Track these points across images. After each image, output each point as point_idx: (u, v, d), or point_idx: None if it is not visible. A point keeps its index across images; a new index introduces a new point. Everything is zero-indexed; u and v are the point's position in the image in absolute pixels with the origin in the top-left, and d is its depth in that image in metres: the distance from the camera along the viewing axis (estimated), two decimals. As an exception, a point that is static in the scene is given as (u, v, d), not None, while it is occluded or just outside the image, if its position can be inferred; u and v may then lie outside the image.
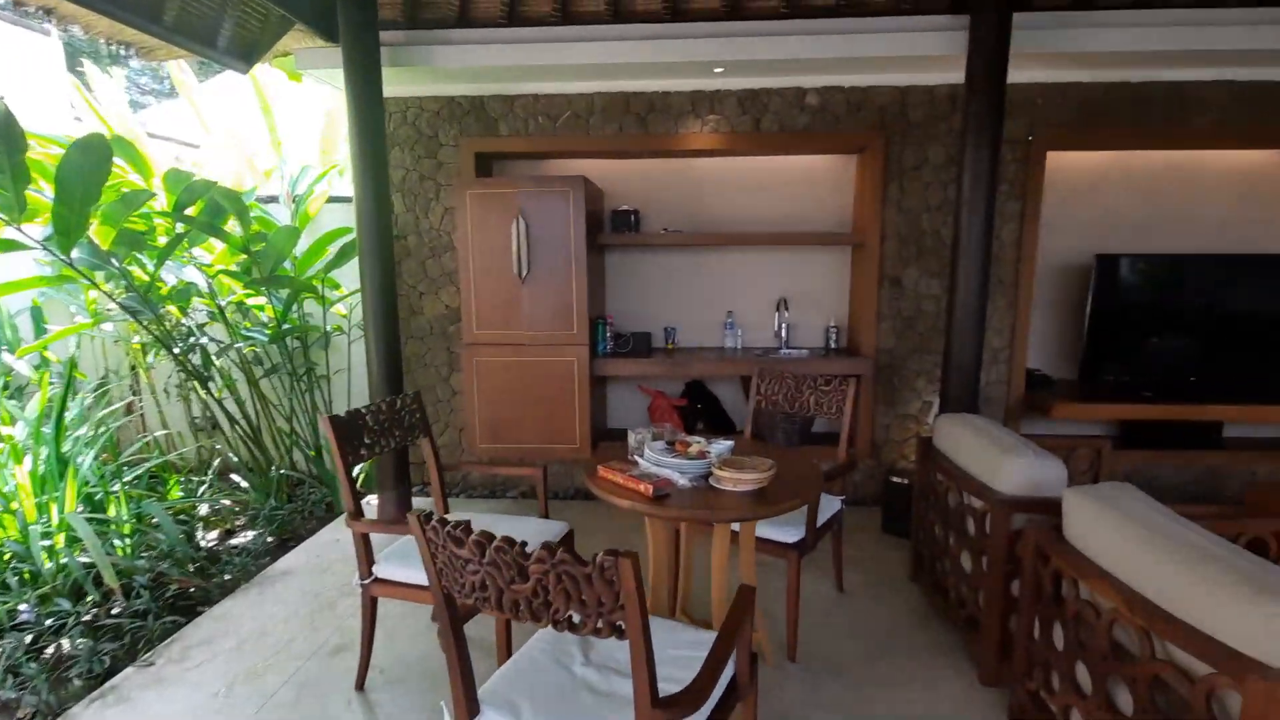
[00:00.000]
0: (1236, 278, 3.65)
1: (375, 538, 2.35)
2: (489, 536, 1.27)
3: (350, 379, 4.28)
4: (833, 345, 3.95)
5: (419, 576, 2.15)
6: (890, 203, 3.68)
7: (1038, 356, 3.98)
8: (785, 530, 2.36)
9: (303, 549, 3.39)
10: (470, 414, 3.71)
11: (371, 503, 3.77)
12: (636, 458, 2.15)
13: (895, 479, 3.44)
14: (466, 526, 1.29)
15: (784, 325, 3.92)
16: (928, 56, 3.22)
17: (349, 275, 4.13)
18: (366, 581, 2.20)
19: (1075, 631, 1.74)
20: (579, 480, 4.10)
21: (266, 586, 3.01)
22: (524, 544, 1.25)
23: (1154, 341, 3.69)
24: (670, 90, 3.68)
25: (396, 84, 3.70)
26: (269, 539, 3.46)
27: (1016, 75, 3.43)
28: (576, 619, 1.25)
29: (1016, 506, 2.13)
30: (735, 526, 2.29)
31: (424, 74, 3.55)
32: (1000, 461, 2.23)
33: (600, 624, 1.23)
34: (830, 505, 2.64)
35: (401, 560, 2.21)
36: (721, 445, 2.17)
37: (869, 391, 3.78)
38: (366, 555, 2.20)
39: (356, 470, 3.24)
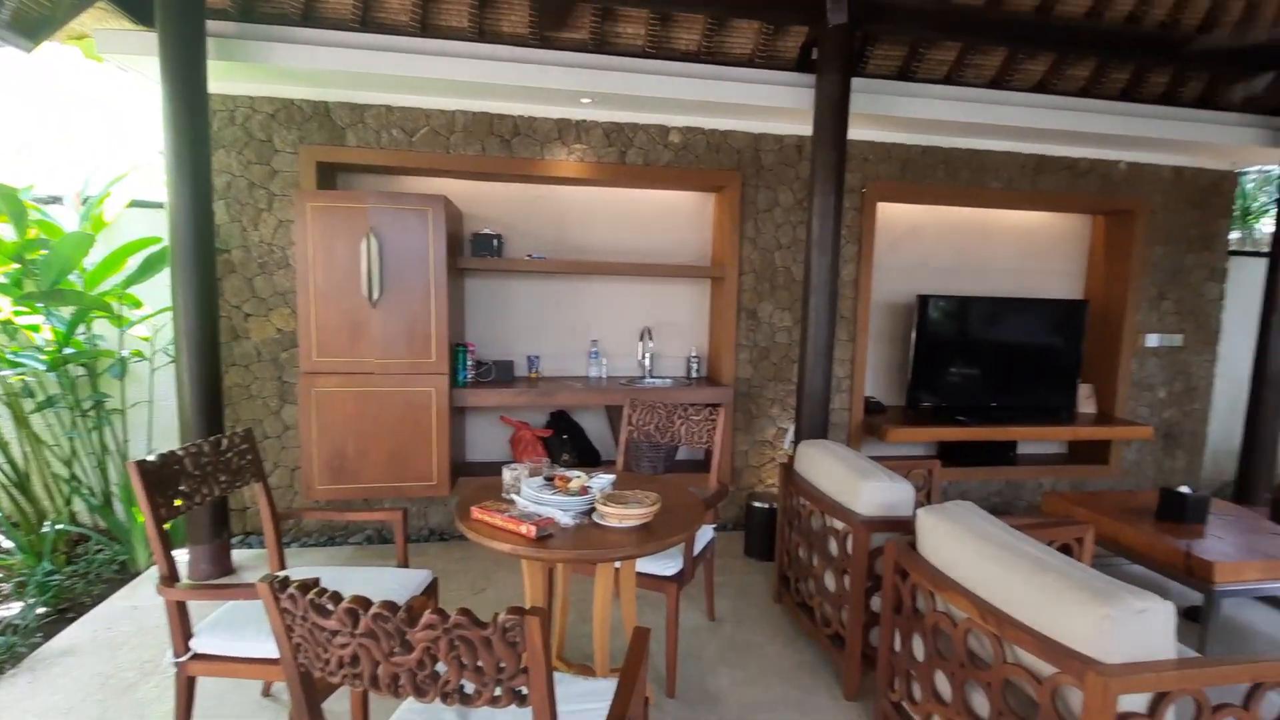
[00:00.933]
0: (1020, 317, 4.30)
1: (191, 603, 1.97)
2: (364, 603, 1.09)
3: (153, 413, 3.65)
4: (694, 374, 4.06)
5: (250, 648, 1.83)
6: (746, 240, 3.89)
7: (872, 385, 4.38)
8: (663, 563, 2.33)
9: (88, 621, 2.78)
10: (307, 451, 3.30)
11: (180, 559, 3.20)
12: (513, 496, 2.01)
13: (756, 503, 3.58)
14: (334, 594, 1.11)
15: (648, 354, 3.96)
16: (779, 108, 3.47)
17: (155, 291, 3.55)
18: (183, 659, 1.83)
19: (934, 641, 1.88)
20: (435, 520, 3.81)
21: (41, 671, 2.42)
22: (407, 608, 1.09)
23: (964, 372, 4.23)
24: (537, 116, 3.62)
25: (224, 79, 3.28)
26: (42, 610, 2.80)
27: (855, 133, 3.81)
28: (470, 689, 1.11)
29: (875, 526, 2.28)
30: (616, 563, 2.22)
31: (258, 71, 3.18)
32: (858, 485, 2.38)
33: (499, 692, 1.10)
34: (704, 534, 2.66)
35: (227, 629, 1.88)
36: (603, 479, 2.10)
37: (729, 419, 3.92)
38: (182, 627, 1.83)
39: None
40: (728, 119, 3.73)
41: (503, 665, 1.08)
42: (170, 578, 1.80)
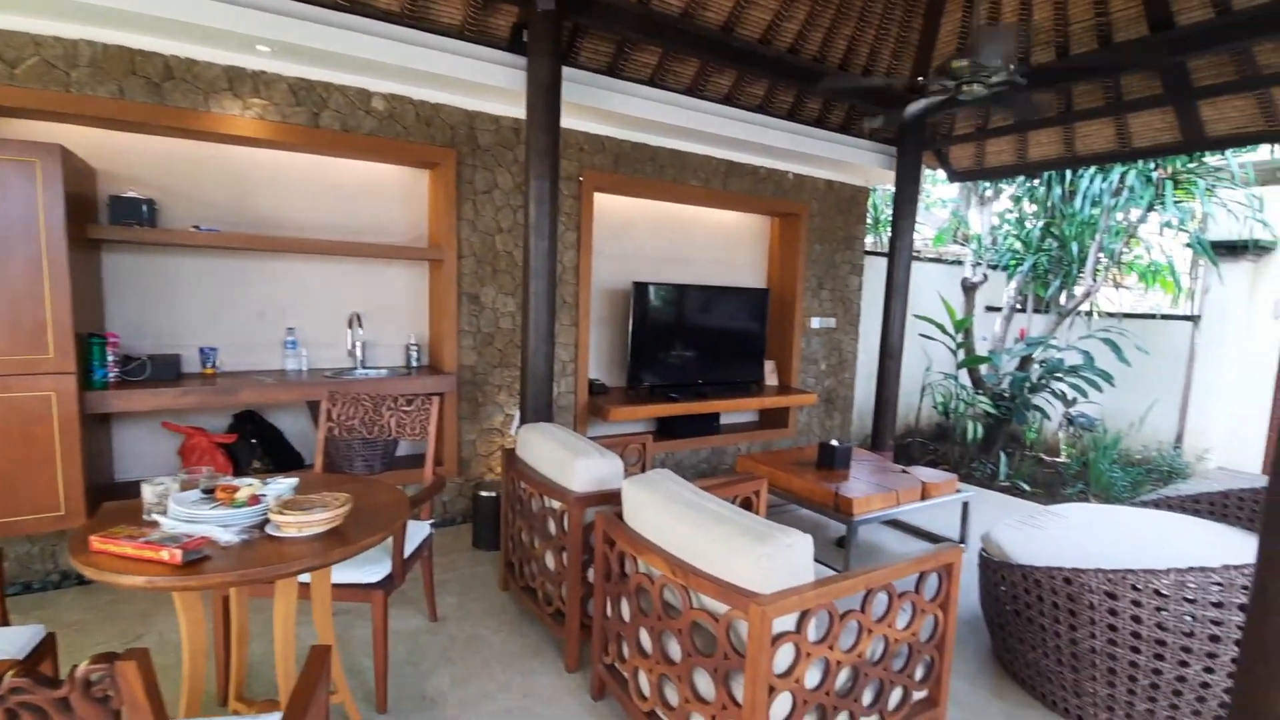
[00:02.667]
0: (719, 304, 4.86)
1: None
2: None
3: None
4: (414, 363, 3.81)
5: None
6: (465, 221, 3.74)
7: (596, 367, 4.57)
8: (366, 570, 2.12)
9: None
10: None
11: None
12: (156, 516, 1.64)
13: (483, 493, 3.49)
14: None
15: (359, 343, 3.60)
16: (492, 86, 3.39)
17: None
18: None
19: (637, 601, 2.00)
20: (67, 560, 3.00)
21: None
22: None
23: (676, 353, 4.64)
24: (198, 59, 3.02)
25: None
26: None
27: (570, 122, 3.89)
28: (40, 772, 0.84)
29: (588, 501, 2.35)
30: (306, 578, 1.95)
31: None
32: (572, 463, 2.44)
33: (86, 766, 0.85)
34: (419, 531, 2.49)
35: None
36: (281, 484, 1.82)
37: (453, 408, 3.76)
38: None
39: None
40: (439, 91, 3.53)
41: (89, 731, 0.84)
42: None
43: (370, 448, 3.39)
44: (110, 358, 2.89)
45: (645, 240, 4.70)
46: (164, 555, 1.45)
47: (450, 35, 3.26)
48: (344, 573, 2.09)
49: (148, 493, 1.70)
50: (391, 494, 1.98)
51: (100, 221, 2.96)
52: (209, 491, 1.74)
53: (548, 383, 3.44)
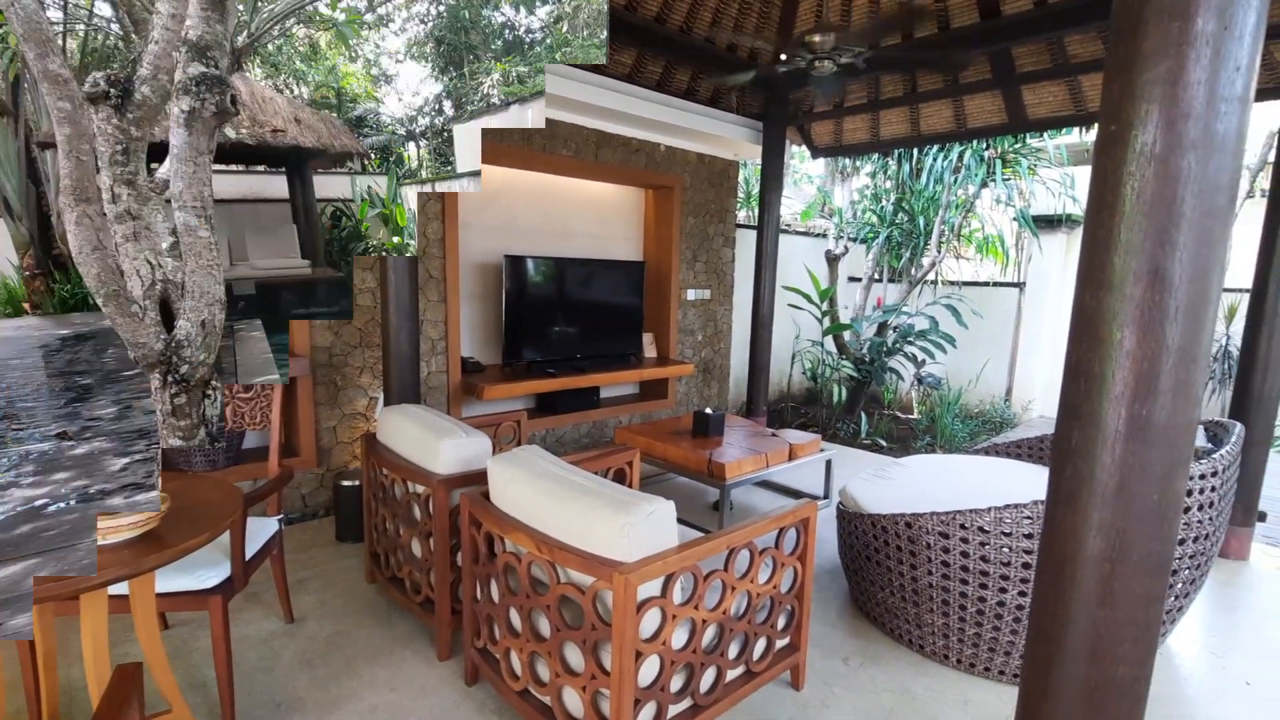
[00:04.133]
0: (596, 277, 4.83)
1: None
2: None
3: None
4: (261, 347, 3.48)
5: None
6: (313, 191, 3.44)
7: (470, 345, 4.41)
8: (200, 574, 1.92)
9: None
10: None
11: None
12: (-87, 535, 1.38)
13: (345, 483, 3.28)
14: None
15: (193, 326, 3.23)
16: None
17: None
18: None
19: (505, 581, 1.95)
20: None
21: None
22: None
23: (552, 327, 4.56)
24: None
25: None
26: None
27: (426, 82, 3.66)
28: None
29: (453, 483, 2.26)
30: (122, 589, 1.73)
31: None
32: (436, 444, 2.33)
33: None
34: (265, 528, 2.29)
35: None
36: (83, 487, 1.60)
37: (308, 393, 3.49)
38: None
39: None
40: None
41: None
42: None
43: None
44: None
45: (518, 212, 4.55)
46: (-84, 580, 1.22)
47: (283, -19, 2.94)
48: (172, 580, 1.87)
49: (-102, 508, 1.43)
50: (221, 490, 1.79)
51: None
52: (-16, 501, 1.49)
53: (414, 362, 3.26)
